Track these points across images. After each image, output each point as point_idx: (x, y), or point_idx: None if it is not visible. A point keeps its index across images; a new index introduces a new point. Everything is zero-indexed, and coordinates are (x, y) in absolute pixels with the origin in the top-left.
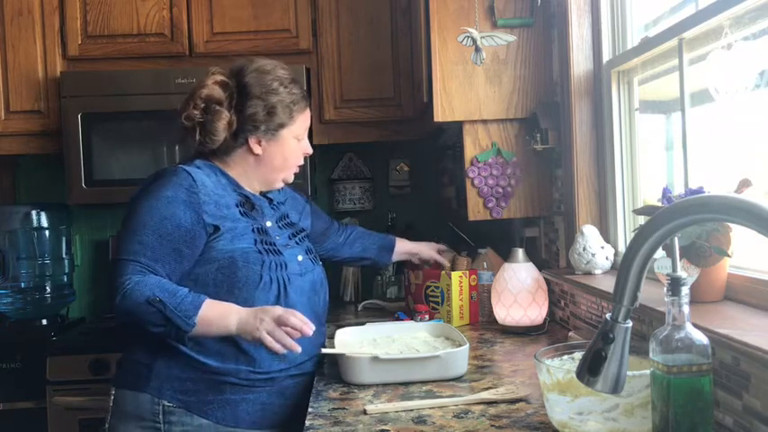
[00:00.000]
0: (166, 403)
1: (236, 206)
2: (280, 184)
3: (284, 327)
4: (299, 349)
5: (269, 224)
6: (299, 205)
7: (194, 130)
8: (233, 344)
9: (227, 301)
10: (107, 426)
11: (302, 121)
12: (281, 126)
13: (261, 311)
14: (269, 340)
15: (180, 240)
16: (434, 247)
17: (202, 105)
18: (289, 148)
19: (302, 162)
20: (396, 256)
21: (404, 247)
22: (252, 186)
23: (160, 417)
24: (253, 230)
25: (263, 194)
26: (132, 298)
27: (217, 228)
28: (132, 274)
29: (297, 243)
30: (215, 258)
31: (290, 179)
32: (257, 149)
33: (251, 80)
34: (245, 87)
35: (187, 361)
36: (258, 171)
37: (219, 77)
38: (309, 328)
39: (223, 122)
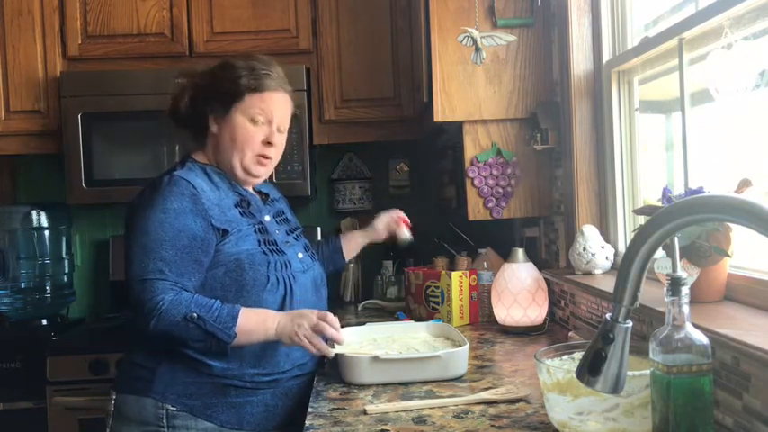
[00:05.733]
0: (170, 407)
1: (235, 206)
2: (241, 173)
3: (319, 333)
4: (332, 354)
5: (267, 218)
6: (289, 207)
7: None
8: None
9: (235, 302)
10: (108, 431)
11: (257, 101)
12: (229, 103)
13: (298, 317)
14: (307, 345)
15: (198, 251)
16: (379, 222)
17: (180, 81)
18: (236, 127)
19: (263, 151)
20: (350, 253)
21: (352, 242)
22: (230, 176)
23: (164, 421)
24: (255, 230)
25: (257, 191)
26: (168, 318)
27: (225, 231)
28: (164, 293)
29: (295, 239)
30: (221, 262)
31: (253, 170)
32: (214, 128)
33: (219, 61)
34: (212, 68)
35: (191, 364)
36: (218, 154)
37: (206, 67)
38: (342, 338)
39: (186, 98)
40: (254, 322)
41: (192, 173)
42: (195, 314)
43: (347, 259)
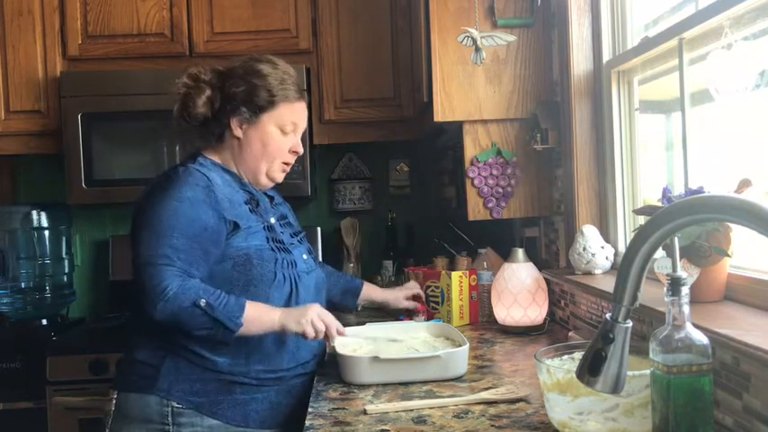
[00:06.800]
0: (175, 405)
1: (245, 203)
2: (264, 179)
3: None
4: (334, 342)
5: (272, 221)
6: (291, 211)
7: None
8: (245, 343)
9: (242, 297)
10: (108, 431)
11: (287, 111)
12: (261, 110)
13: (303, 306)
14: (310, 330)
15: (208, 241)
16: (403, 293)
17: (189, 82)
18: (268, 135)
19: (288, 159)
20: (362, 301)
21: (370, 294)
22: (245, 178)
23: (169, 418)
24: (264, 228)
25: (264, 193)
26: (177, 303)
27: (236, 225)
28: (171, 279)
29: (299, 242)
30: (230, 256)
31: (277, 177)
32: (238, 132)
33: (241, 63)
34: (233, 69)
35: (196, 361)
36: (241, 158)
37: (215, 66)
38: (343, 331)
39: (203, 98)
40: (259, 312)
41: (204, 167)
42: (204, 300)
43: (356, 306)
